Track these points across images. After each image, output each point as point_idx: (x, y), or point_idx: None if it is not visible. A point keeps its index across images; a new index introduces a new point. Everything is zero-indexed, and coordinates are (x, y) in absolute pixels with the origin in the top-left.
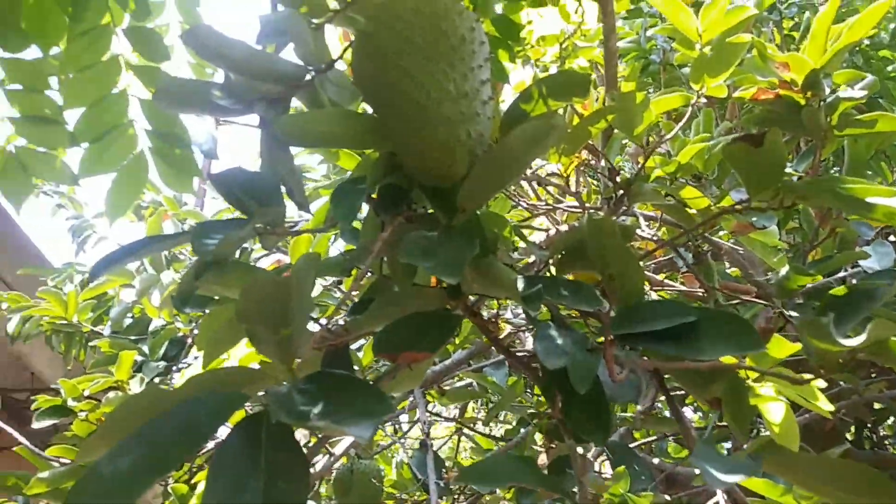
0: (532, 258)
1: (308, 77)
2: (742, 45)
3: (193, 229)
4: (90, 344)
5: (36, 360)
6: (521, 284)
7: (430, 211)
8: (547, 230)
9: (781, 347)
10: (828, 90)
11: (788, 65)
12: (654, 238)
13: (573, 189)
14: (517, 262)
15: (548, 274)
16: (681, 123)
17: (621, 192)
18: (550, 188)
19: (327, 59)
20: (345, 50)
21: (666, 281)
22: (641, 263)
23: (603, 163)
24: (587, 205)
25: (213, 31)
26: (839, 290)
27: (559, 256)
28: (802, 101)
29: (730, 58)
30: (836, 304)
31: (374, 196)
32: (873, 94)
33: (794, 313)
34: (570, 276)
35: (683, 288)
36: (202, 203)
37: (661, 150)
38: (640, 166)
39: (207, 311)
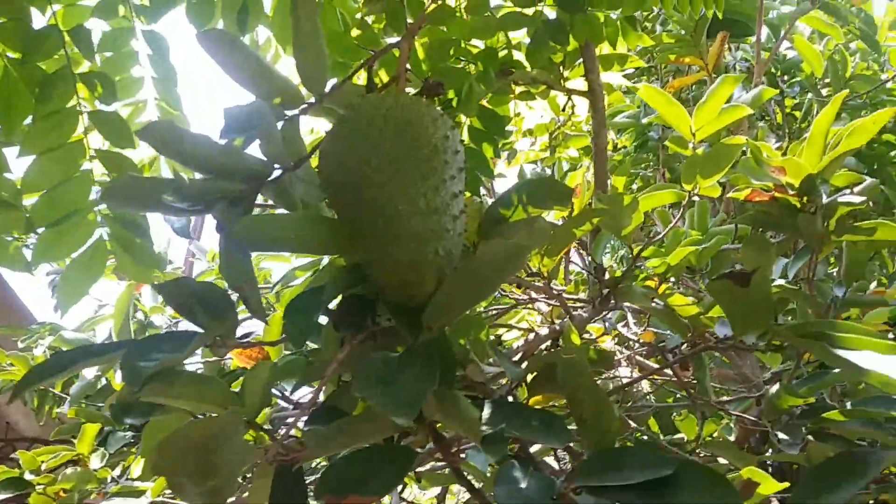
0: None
1: (275, 174)
2: (736, 147)
3: (127, 350)
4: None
5: (13, 411)
6: (484, 419)
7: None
8: (527, 332)
9: (768, 486)
10: (825, 195)
11: (784, 169)
12: (639, 341)
13: (559, 282)
14: (489, 376)
15: (525, 388)
16: (675, 221)
17: (608, 290)
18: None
19: (300, 155)
20: (314, 148)
21: (656, 367)
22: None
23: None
24: (573, 296)
25: (172, 126)
26: (833, 414)
27: (533, 375)
28: (798, 205)
29: (724, 159)
30: (826, 474)
31: (334, 309)
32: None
33: (782, 435)
34: (541, 398)
35: (674, 378)
36: (191, 265)
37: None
38: (629, 266)
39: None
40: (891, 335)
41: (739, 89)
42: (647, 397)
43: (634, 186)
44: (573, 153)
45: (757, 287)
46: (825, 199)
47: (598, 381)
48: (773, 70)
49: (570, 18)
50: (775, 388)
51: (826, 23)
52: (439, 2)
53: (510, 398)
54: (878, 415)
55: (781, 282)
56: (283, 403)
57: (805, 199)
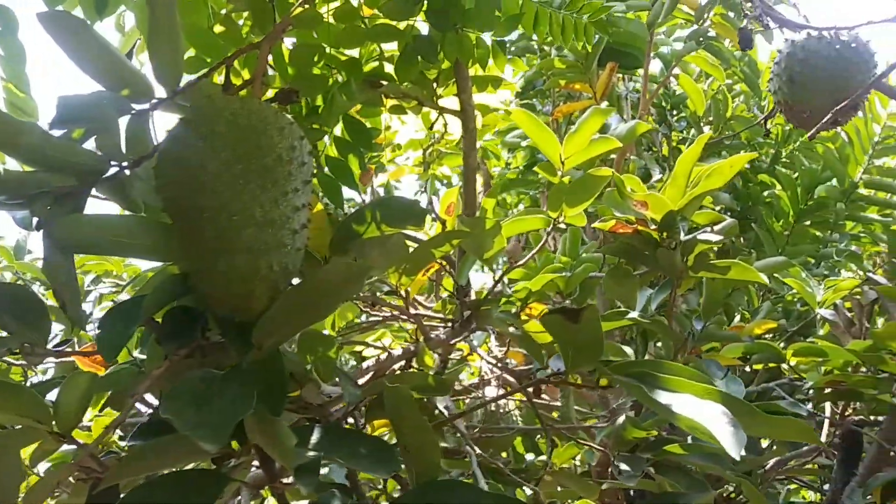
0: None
1: (112, 172)
2: (602, 178)
3: None
4: None
5: None
6: (311, 444)
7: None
8: (380, 351)
9: None
10: (683, 231)
11: (647, 203)
12: (505, 364)
13: (428, 299)
14: (329, 397)
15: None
16: (538, 246)
17: (469, 312)
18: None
19: (145, 152)
20: (157, 147)
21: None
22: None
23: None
24: (441, 314)
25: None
26: (674, 447)
27: (372, 398)
28: (659, 239)
29: (589, 189)
30: None
31: (158, 320)
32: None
33: (624, 465)
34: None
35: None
36: None
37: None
38: (490, 289)
39: None
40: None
41: (617, 120)
42: (515, 418)
43: (521, 206)
44: (447, 171)
45: (587, 324)
46: (684, 236)
47: (467, 400)
48: (663, 104)
49: (441, 36)
50: (622, 418)
51: (710, 63)
52: (306, 6)
53: (353, 421)
54: (719, 449)
55: (634, 314)
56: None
57: (665, 234)
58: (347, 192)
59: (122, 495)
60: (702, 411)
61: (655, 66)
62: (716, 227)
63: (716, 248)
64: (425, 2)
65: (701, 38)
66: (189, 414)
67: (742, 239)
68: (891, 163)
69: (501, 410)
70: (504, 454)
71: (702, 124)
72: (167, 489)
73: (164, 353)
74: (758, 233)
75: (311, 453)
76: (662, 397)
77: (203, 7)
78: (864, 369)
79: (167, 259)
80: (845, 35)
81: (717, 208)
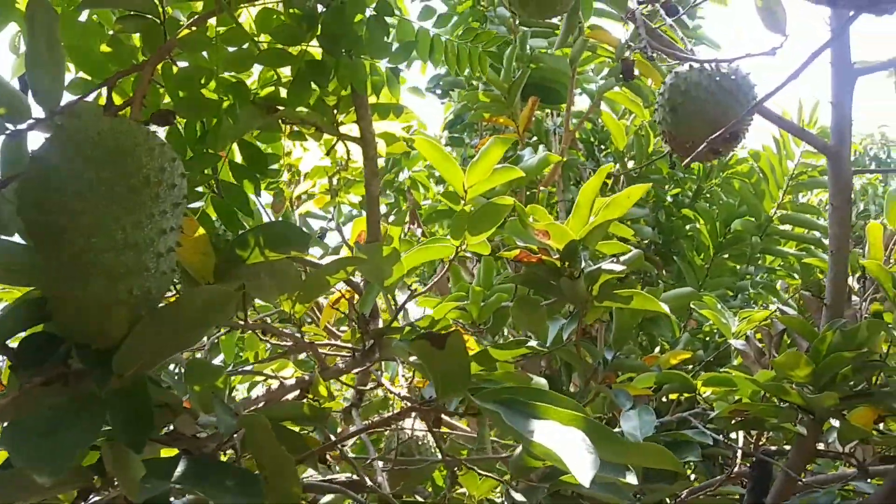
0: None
1: None
2: (505, 207)
3: None
4: None
5: None
6: (176, 477)
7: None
8: (276, 379)
9: None
10: (584, 260)
11: (548, 233)
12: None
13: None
14: (203, 429)
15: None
16: (438, 275)
17: (372, 342)
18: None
19: (16, 172)
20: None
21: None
22: None
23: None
24: (346, 343)
25: None
26: (569, 478)
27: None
28: (561, 268)
29: (492, 218)
30: None
31: (15, 347)
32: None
33: (519, 497)
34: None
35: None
36: None
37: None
38: (392, 318)
39: None
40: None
41: (529, 153)
42: (433, 450)
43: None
44: (355, 199)
45: (453, 350)
46: (584, 265)
47: (387, 431)
48: (591, 139)
49: (334, 62)
50: (519, 449)
51: (631, 100)
52: (193, 28)
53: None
54: (612, 479)
55: (533, 343)
56: None
57: (567, 263)
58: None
59: None
60: (558, 437)
61: (585, 102)
62: (622, 258)
63: (639, 281)
64: (319, 27)
65: (620, 75)
66: (29, 446)
67: (665, 272)
68: (804, 199)
69: (420, 442)
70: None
71: (626, 159)
72: None
73: (19, 380)
74: (680, 266)
75: (176, 485)
76: (523, 424)
77: (98, 30)
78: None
79: (28, 283)
80: (725, 67)
81: (642, 240)
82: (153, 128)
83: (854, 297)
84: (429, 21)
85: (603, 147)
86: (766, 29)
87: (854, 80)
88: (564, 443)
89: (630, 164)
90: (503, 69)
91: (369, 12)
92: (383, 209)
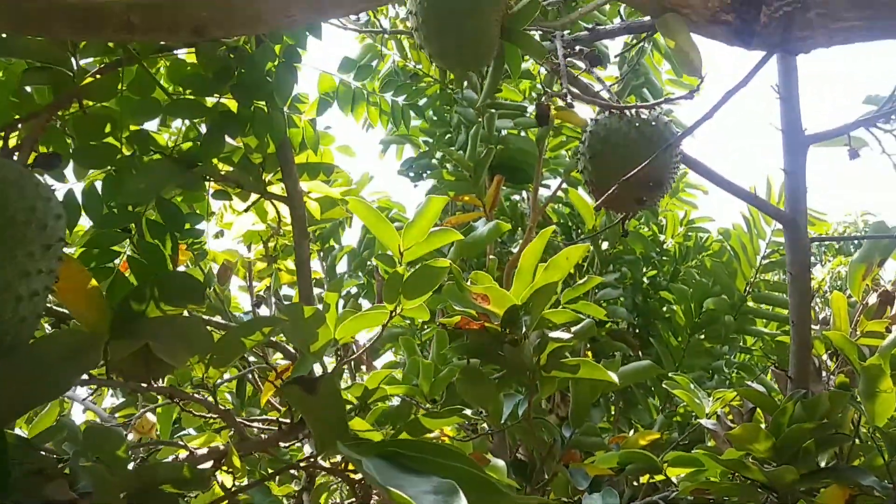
0: None
1: None
2: (441, 270)
3: None
4: None
5: None
6: None
7: None
8: (181, 449)
9: None
10: (525, 325)
11: (488, 297)
12: None
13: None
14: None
15: None
16: (376, 334)
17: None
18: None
19: None
20: None
21: None
22: None
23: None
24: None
25: None
26: None
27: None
28: (503, 335)
29: (427, 281)
30: None
31: None
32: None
33: None
34: None
35: None
36: None
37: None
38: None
39: None
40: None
41: (483, 222)
42: None
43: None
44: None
45: (326, 396)
46: (527, 330)
47: None
48: (568, 224)
49: (250, 114)
50: None
51: None
52: (98, 76)
53: None
54: None
55: (468, 412)
56: None
57: (508, 329)
58: None
59: None
60: (421, 489)
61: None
62: (573, 328)
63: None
64: (232, 77)
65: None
66: None
67: (643, 354)
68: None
69: None
70: None
71: (600, 239)
72: None
73: None
74: (657, 349)
75: None
76: (391, 474)
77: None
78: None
79: None
80: (646, 113)
81: (619, 322)
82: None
83: (825, 374)
84: (349, 74)
85: (580, 230)
86: (683, 72)
87: (806, 147)
88: (420, 494)
89: (604, 246)
90: (468, 148)
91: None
92: (354, 290)
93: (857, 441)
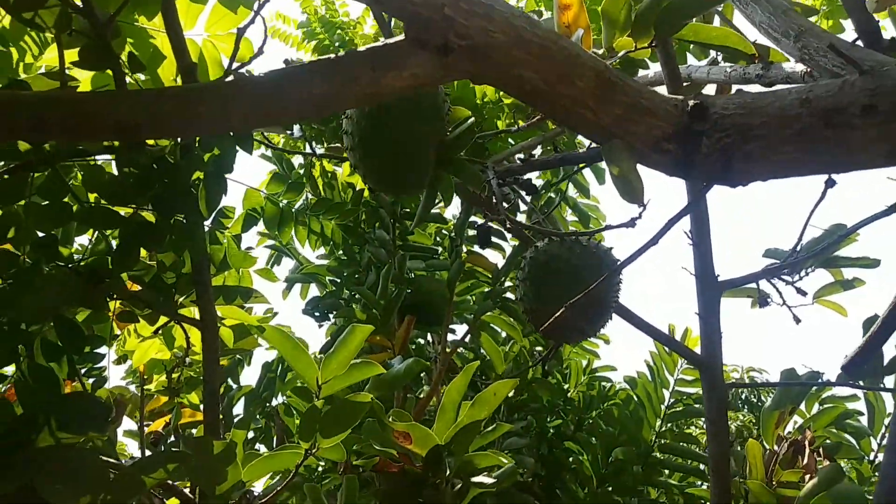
0: None
1: None
2: (363, 405)
3: None
4: None
5: None
6: None
7: None
8: None
9: None
10: (449, 468)
11: (410, 436)
12: None
13: None
14: None
15: None
16: (280, 488)
17: None
18: None
19: None
20: None
21: None
22: None
23: None
24: None
25: None
26: None
27: None
28: (425, 478)
29: (348, 417)
30: None
31: None
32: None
33: None
34: None
35: None
36: None
37: None
38: None
39: None
40: None
41: (399, 360)
42: None
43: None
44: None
45: None
46: (450, 473)
47: None
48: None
49: (169, 226)
50: None
51: (508, 323)
52: (6, 176)
53: None
54: None
55: None
56: None
57: (430, 472)
58: None
59: None
60: None
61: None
62: (496, 473)
63: None
64: (151, 187)
65: (497, 299)
66: None
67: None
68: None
69: None
70: None
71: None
72: None
73: None
74: (563, 501)
75: None
76: None
77: None
78: None
79: None
80: (585, 240)
81: (524, 472)
82: None
83: None
84: (277, 192)
85: (484, 377)
86: (622, 200)
87: (720, 291)
88: None
89: (510, 393)
90: (380, 288)
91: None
92: (251, 434)
93: None
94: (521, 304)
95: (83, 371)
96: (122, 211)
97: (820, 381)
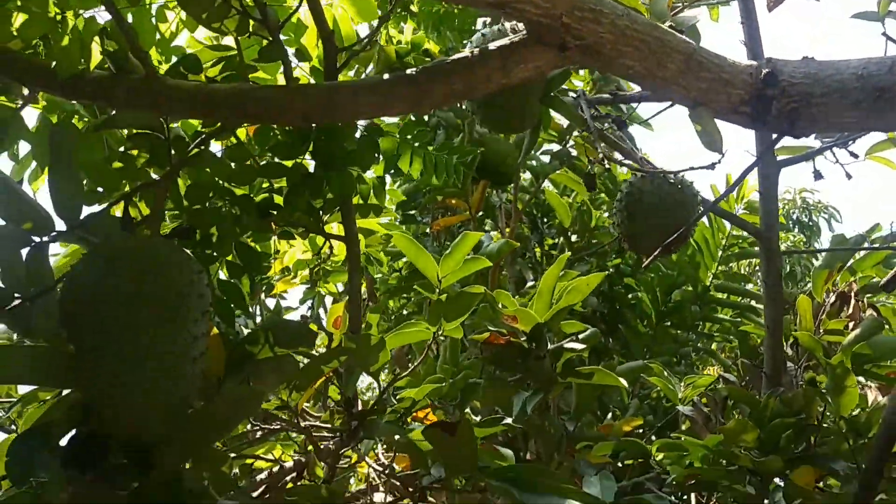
0: None
1: (14, 303)
2: (476, 295)
3: None
4: None
5: None
6: None
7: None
8: (270, 464)
9: None
10: (549, 342)
11: (517, 317)
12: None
13: (311, 410)
14: None
15: None
16: (421, 358)
17: (356, 423)
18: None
19: (45, 283)
20: (59, 280)
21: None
22: None
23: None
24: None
25: None
26: None
27: None
28: (529, 349)
29: (465, 305)
30: None
31: (64, 445)
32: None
33: None
34: None
35: None
36: None
37: None
38: (376, 401)
39: None
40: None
41: (489, 238)
42: None
43: (405, 312)
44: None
45: (462, 436)
46: (551, 345)
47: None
48: (535, 212)
49: (326, 173)
50: None
51: (574, 180)
52: (202, 147)
53: None
54: None
55: (509, 420)
56: None
57: (533, 344)
58: None
59: None
60: None
61: (527, 177)
62: (580, 336)
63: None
64: (311, 143)
65: (564, 158)
66: None
67: (611, 339)
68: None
69: None
70: None
71: (569, 233)
72: None
73: (67, 477)
74: (625, 334)
75: None
76: (530, 499)
77: (99, 144)
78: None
79: (70, 387)
80: (673, 178)
81: (587, 309)
82: None
83: (789, 364)
84: (408, 134)
85: (545, 220)
86: (705, 148)
87: (778, 171)
88: None
89: (573, 238)
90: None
91: (360, 132)
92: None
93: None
94: (618, 230)
95: (258, 281)
96: (288, 164)
97: (866, 245)
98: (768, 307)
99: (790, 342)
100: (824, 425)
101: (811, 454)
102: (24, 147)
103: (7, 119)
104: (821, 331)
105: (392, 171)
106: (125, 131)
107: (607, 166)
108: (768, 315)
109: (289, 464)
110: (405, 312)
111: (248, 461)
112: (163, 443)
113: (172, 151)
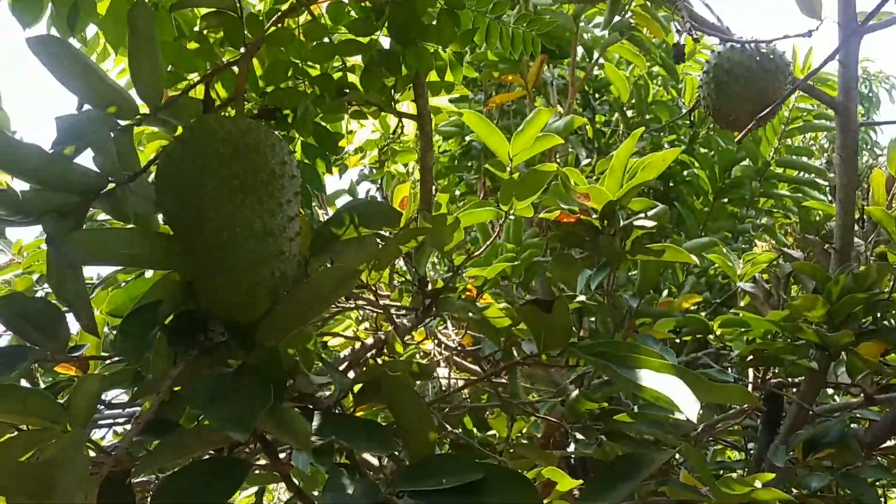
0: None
1: (109, 187)
2: (549, 173)
3: None
4: None
5: None
6: (314, 430)
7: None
8: (352, 340)
9: (565, 483)
10: (622, 219)
11: (589, 195)
12: (459, 347)
13: (384, 287)
14: (318, 388)
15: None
16: (492, 238)
17: (430, 301)
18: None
19: (134, 168)
20: (150, 162)
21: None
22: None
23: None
24: (397, 303)
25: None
26: (623, 417)
27: (360, 386)
28: (600, 227)
29: (537, 183)
30: (609, 474)
31: (167, 324)
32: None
33: (580, 435)
34: (366, 406)
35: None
36: None
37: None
38: (449, 278)
39: None
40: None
41: (555, 117)
42: (464, 397)
43: (457, 192)
44: (401, 167)
45: (557, 312)
46: (622, 223)
47: (419, 383)
48: (586, 88)
49: (402, 49)
50: (575, 392)
51: (633, 52)
52: (279, 25)
53: (337, 408)
54: (661, 417)
55: (582, 297)
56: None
57: (605, 222)
58: None
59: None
60: (662, 383)
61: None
62: (649, 213)
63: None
64: (387, 19)
65: (624, 29)
66: (215, 408)
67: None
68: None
69: (452, 389)
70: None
71: (624, 108)
72: (197, 477)
73: (174, 353)
74: (680, 210)
75: (315, 437)
76: (626, 373)
77: (169, 22)
78: (781, 337)
79: (172, 269)
80: (764, 47)
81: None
82: None
83: (857, 240)
84: (484, 7)
85: (598, 96)
86: (802, 14)
87: (860, 39)
88: (671, 387)
89: (629, 113)
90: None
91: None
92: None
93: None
94: (704, 101)
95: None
96: (363, 41)
97: None
98: (842, 180)
99: (857, 218)
100: (893, 297)
101: (878, 329)
102: (90, 30)
103: (77, 1)
104: (893, 205)
105: (469, 46)
106: (196, 11)
107: (695, 36)
108: (840, 189)
109: (369, 341)
110: (457, 193)
111: (326, 338)
112: (263, 320)
113: (246, 32)
